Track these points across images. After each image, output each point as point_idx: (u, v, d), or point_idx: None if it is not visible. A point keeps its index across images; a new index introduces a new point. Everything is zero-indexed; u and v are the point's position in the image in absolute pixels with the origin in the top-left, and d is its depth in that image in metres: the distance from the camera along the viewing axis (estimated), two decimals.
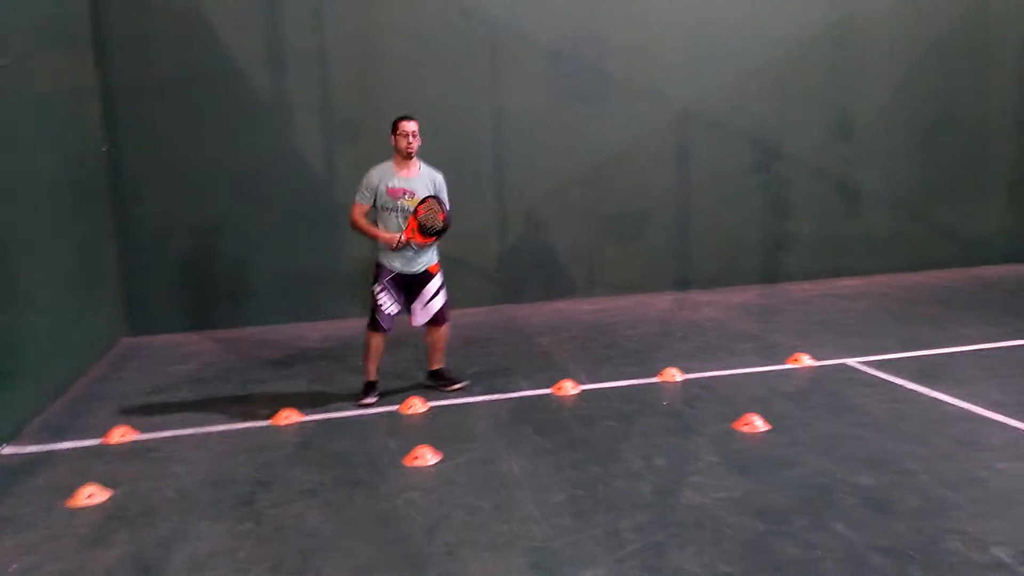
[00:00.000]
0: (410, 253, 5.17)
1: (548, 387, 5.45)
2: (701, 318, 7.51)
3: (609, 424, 4.71)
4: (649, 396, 5.23)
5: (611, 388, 5.42)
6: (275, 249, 8.01)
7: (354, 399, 5.39)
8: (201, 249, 7.85)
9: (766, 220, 9.07)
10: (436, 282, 5.30)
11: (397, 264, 5.19)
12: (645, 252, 8.82)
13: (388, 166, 5.19)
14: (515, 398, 5.29)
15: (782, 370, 5.72)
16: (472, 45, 8.18)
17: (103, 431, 4.87)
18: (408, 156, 5.14)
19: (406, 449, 4.37)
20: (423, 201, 5.08)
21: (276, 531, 3.51)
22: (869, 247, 9.36)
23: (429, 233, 5.08)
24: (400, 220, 5.11)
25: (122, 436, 4.81)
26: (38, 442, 4.78)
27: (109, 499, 3.91)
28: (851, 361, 5.82)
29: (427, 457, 4.27)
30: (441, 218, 5.08)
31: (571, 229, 8.59)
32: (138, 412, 5.29)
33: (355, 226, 5.21)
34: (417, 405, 5.15)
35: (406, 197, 5.10)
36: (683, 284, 8.90)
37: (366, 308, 8.03)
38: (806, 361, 5.83)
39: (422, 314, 5.32)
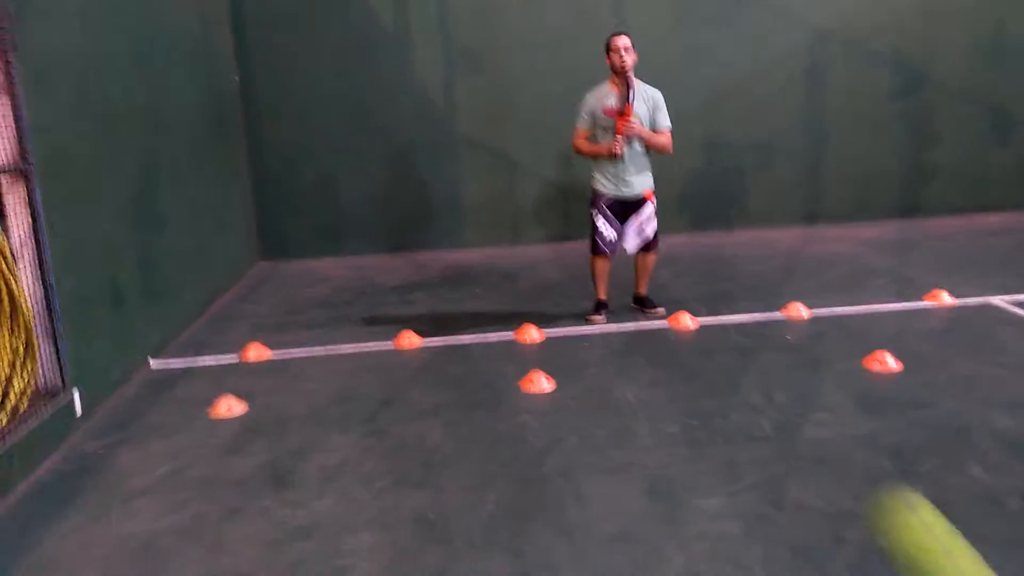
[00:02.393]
0: (624, 172, 5.19)
1: (664, 320, 5.36)
2: (830, 253, 7.18)
3: (728, 358, 4.60)
4: (771, 332, 5.07)
5: (731, 322, 5.29)
6: (398, 178, 8.16)
7: (473, 325, 5.50)
8: (327, 178, 8.09)
9: (906, 149, 8.47)
10: (649, 207, 5.33)
11: (612, 189, 5.26)
12: (771, 183, 8.44)
13: (604, 87, 5.23)
14: (630, 331, 5.24)
15: (918, 308, 5.40)
16: None
17: (240, 348, 5.17)
18: (622, 72, 5.10)
19: (521, 375, 4.42)
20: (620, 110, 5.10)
21: (399, 447, 3.66)
22: (1019, 179, 8.61)
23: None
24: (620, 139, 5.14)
25: (257, 354, 5.10)
26: (181, 356, 5.14)
27: (245, 412, 4.17)
28: (995, 300, 5.43)
29: (542, 383, 4.31)
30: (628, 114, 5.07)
31: (692, 159, 8.30)
32: (272, 332, 5.59)
33: (578, 150, 5.35)
34: (533, 333, 5.20)
35: (623, 113, 5.10)
36: (812, 218, 8.50)
37: (485, 239, 8.31)
38: (945, 299, 5.48)
39: (635, 239, 5.37)
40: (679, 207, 8.39)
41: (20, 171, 3.73)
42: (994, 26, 8.29)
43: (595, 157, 5.26)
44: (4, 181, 3.70)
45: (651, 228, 5.38)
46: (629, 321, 5.39)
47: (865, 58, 8.22)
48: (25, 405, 3.68)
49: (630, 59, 5.09)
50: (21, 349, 3.66)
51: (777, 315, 5.36)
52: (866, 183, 8.50)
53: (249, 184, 7.91)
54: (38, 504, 3.30)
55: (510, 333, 5.26)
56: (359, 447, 3.68)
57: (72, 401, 3.96)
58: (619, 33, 5.17)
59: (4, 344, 3.57)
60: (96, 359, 4.30)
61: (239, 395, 4.29)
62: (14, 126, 3.69)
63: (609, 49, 5.14)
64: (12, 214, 3.72)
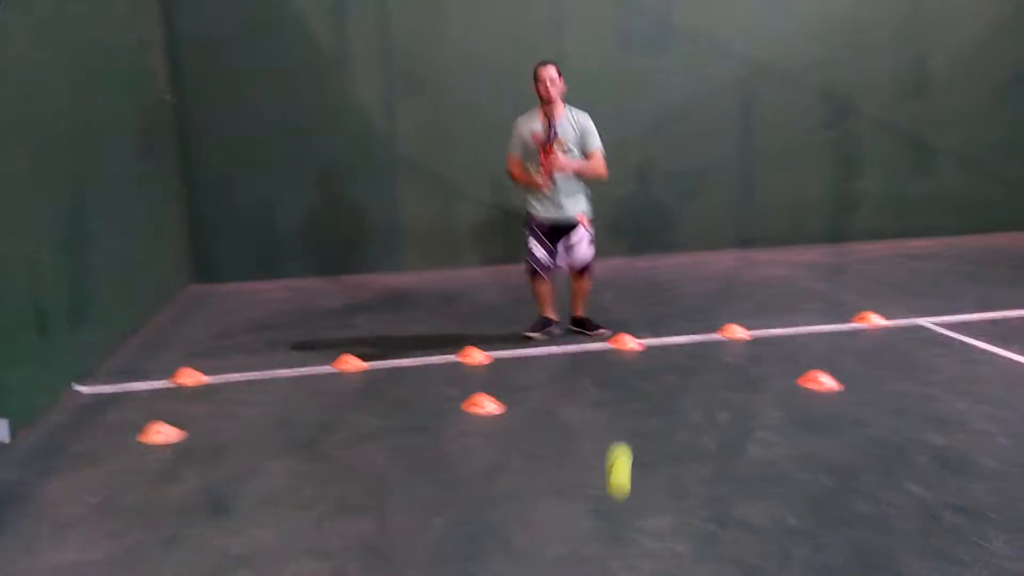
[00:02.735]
0: (557, 196, 5.23)
1: (607, 341, 5.39)
2: (764, 276, 7.35)
3: (670, 379, 4.65)
4: (710, 353, 5.14)
5: (671, 344, 5.35)
6: (336, 201, 8.06)
7: (413, 348, 5.44)
8: (264, 200, 7.94)
9: (834, 178, 8.75)
10: (581, 231, 5.34)
11: (541, 210, 5.31)
12: (706, 209, 8.62)
13: (533, 113, 5.28)
14: (573, 352, 5.25)
15: (850, 329, 5.56)
16: None
17: (172, 373, 5.00)
18: (548, 102, 5.16)
19: (466, 397, 4.38)
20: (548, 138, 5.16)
21: (341, 471, 3.57)
22: (942, 207, 8.98)
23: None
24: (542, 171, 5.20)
25: (191, 378, 4.93)
26: (110, 382, 4.94)
27: (179, 438, 4.02)
28: (923, 321, 5.62)
29: (486, 405, 4.28)
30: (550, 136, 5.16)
31: (629, 185, 8.43)
32: (206, 356, 5.42)
33: (512, 176, 5.41)
34: (476, 355, 5.17)
35: (550, 138, 5.15)
36: (745, 242, 8.70)
37: (424, 262, 8.26)
38: (875, 320, 5.65)
39: (563, 259, 5.40)
40: (616, 231, 8.48)
41: None
42: (915, 59, 8.68)
43: (527, 185, 5.34)
44: None
45: (582, 251, 5.38)
46: (572, 343, 5.40)
47: (796, 90, 8.50)
48: None
49: (555, 89, 5.17)
50: None
51: (716, 336, 5.45)
52: (797, 209, 8.75)
53: (181, 206, 7.70)
54: None
55: (453, 356, 5.21)
56: (299, 473, 3.57)
57: None
58: (545, 63, 5.24)
59: None
60: (20, 386, 4.09)
61: (172, 421, 4.13)
62: None
63: (536, 78, 5.20)
64: None
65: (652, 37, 8.24)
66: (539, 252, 5.39)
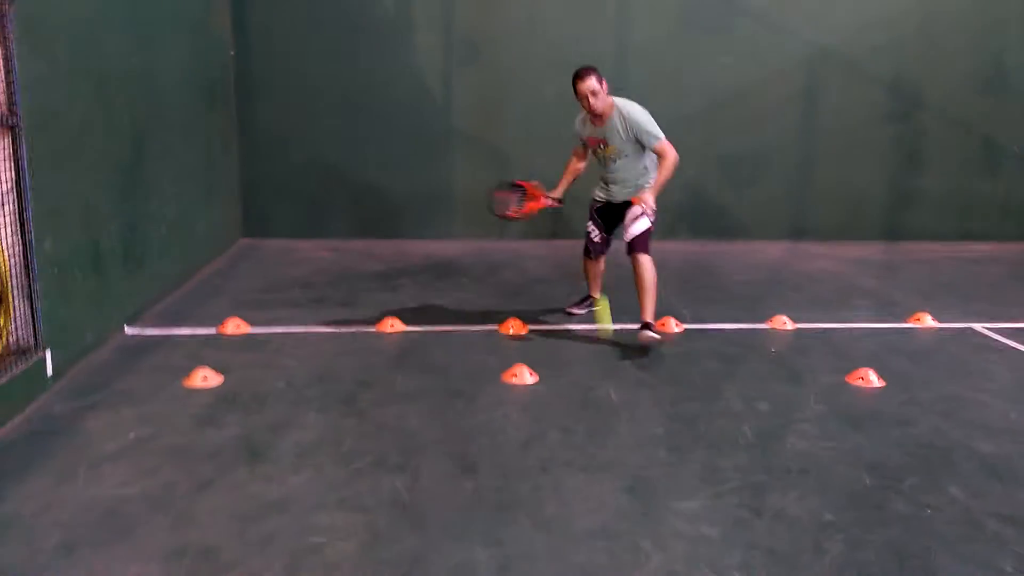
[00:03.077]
0: (615, 183, 5.21)
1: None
2: (816, 269, 7.20)
3: (712, 364, 4.59)
4: (755, 342, 5.06)
5: (715, 330, 5.27)
6: (387, 165, 8.08)
7: (455, 316, 5.46)
8: (316, 159, 7.99)
9: (895, 173, 8.52)
10: (636, 209, 4.96)
11: (601, 195, 5.33)
12: (760, 197, 8.46)
13: (584, 116, 5.16)
14: (616, 330, 5.20)
15: (901, 328, 5.42)
16: None
17: (218, 321, 5.08)
18: (592, 114, 4.98)
19: (504, 367, 4.38)
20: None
21: (377, 429, 3.60)
22: (1006, 211, 8.69)
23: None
24: (601, 164, 5.21)
25: (236, 327, 5.01)
26: (158, 326, 5.04)
27: (221, 383, 4.09)
28: (977, 326, 5.45)
29: (525, 376, 4.27)
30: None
31: (683, 167, 8.24)
32: (252, 307, 5.50)
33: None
34: (516, 327, 5.16)
35: (600, 147, 5.10)
36: (798, 234, 8.53)
37: (472, 231, 8.24)
38: (928, 322, 5.50)
39: (626, 234, 5.11)
40: (669, 213, 8.37)
41: (7, 124, 3.63)
42: (992, 56, 8.37)
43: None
44: None
45: (637, 227, 5.02)
46: (615, 323, 5.35)
47: (862, 79, 8.26)
48: None
49: (598, 102, 4.87)
50: None
51: (762, 326, 5.35)
52: (855, 203, 8.54)
53: (237, 161, 7.79)
54: (3, 461, 3.20)
55: (494, 325, 5.21)
56: (337, 427, 3.61)
57: (44, 361, 3.86)
58: (582, 76, 4.86)
59: None
60: (71, 321, 4.19)
61: (216, 367, 4.21)
62: (3, 79, 3.59)
63: (576, 94, 4.92)
64: None
65: (716, 17, 8.06)
66: (594, 236, 5.40)
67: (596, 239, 5.39)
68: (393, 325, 5.15)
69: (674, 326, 5.26)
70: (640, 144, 4.96)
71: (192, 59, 6.40)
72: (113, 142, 4.80)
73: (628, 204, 5.14)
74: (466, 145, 8.11)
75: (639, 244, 5.02)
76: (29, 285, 3.77)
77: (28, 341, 3.80)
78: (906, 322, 5.53)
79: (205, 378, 4.09)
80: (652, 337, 4.79)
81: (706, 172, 8.32)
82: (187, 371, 4.16)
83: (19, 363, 3.67)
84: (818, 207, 8.53)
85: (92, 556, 2.58)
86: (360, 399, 3.95)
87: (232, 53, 7.62)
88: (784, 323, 5.36)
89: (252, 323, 5.09)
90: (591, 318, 5.40)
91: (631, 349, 4.82)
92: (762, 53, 8.14)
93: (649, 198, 4.84)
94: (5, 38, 3.58)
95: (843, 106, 8.31)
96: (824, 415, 3.89)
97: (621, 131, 4.95)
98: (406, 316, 5.33)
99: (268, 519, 2.82)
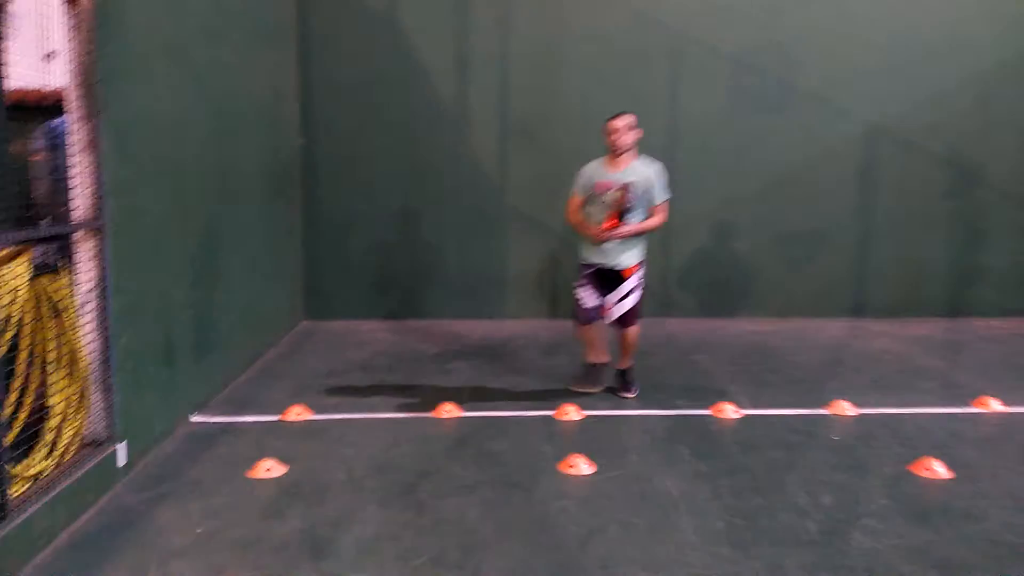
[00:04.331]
0: (608, 246, 5.29)
1: (706, 407, 5.30)
2: (876, 349, 7.07)
3: (772, 454, 4.52)
4: (816, 428, 4.98)
5: (774, 415, 5.21)
6: (443, 247, 8.28)
7: (512, 399, 5.50)
8: (377, 242, 8.24)
9: (956, 249, 8.39)
10: (629, 284, 5.36)
11: (595, 259, 5.36)
12: (816, 275, 8.40)
13: (599, 162, 5.40)
14: (671, 416, 5.18)
15: (967, 413, 5.28)
16: (650, 51, 8.11)
17: (281, 408, 5.21)
18: (615, 152, 5.26)
19: (561, 455, 4.39)
20: (618, 188, 5.20)
21: (436, 523, 3.63)
22: None
23: (619, 214, 5.21)
24: (604, 213, 5.27)
25: (298, 415, 5.13)
26: (223, 414, 5.19)
27: (284, 474, 4.18)
28: None
29: (581, 467, 4.27)
30: (622, 200, 5.18)
31: (737, 244, 8.34)
32: (313, 392, 5.63)
33: (569, 220, 5.52)
34: (572, 413, 5.17)
35: (612, 191, 5.24)
36: (856, 311, 8.41)
37: (526, 312, 8.35)
38: (995, 406, 5.35)
39: (612, 311, 5.42)
40: (721, 291, 8.38)
41: (94, 227, 3.87)
42: None
43: (582, 233, 5.42)
44: (78, 236, 3.84)
45: (627, 304, 5.40)
46: (669, 408, 5.34)
47: (918, 155, 8.24)
48: (71, 455, 3.74)
49: (628, 138, 5.24)
50: (75, 399, 3.74)
51: (823, 411, 5.27)
52: (915, 279, 8.42)
53: (300, 245, 8.08)
54: (79, 554, 3.32)
55: (549, 411, 5.23)
56: (396, 521, 3.65)
57: (116, 453, 4.01)
58: (616, 115, 5.32)
59: (60, 394, 3.65)
60: (143, 412, 4.36)
61: (279, 456, 4.31)
62: (93, 183, 3.84)
63: (605, 130, 5.31)
64: (81, 269, 3.85)
65: (770, 97, 8.17)
66: (588, 303, 5.43)
67: (588, 306, 5.44)
68: (450, 410, 5.22)
69: (732, 412, 5.21)
70: (646, 202, 5.25)
71: (262, 150, 6.73)
72: (188, 236, 5.05)
73: (619, 275, 5.31)
74: (521, 227, 8.28)
75: (631, 318, 5.42)
76: (106, 379, 3.95)
77: (102, 434, 3.96)
78: (972, 406, 5.39)
79: (268, 469, 4.19)
80: (630, 392, 5.45)
81: (761, 249, 8.33)
82: (251, 460, 4.27)
83: (94, 456, 3.82)
84: (878, 284, 8.43)
85: None
86: (419, 490, 3.99)
87: (301, 142, 7.98)
88: (845, 408, 5.27)
89: (314, 409, 5.22)
90: (649, 402, 5.38)
91: (688, 436, 4.78)
92: (816, 131, 8.20)
93: (630, 229, 5.19)
94: (96, 145, 3.84)
95: (900, 182, 8.28)
96: (889, 509, 3.79)
97: (640, 179, 5.22)
98: (462, 400, 5.39)
99: None
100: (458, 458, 4.44)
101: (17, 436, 3.39)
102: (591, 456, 4.36)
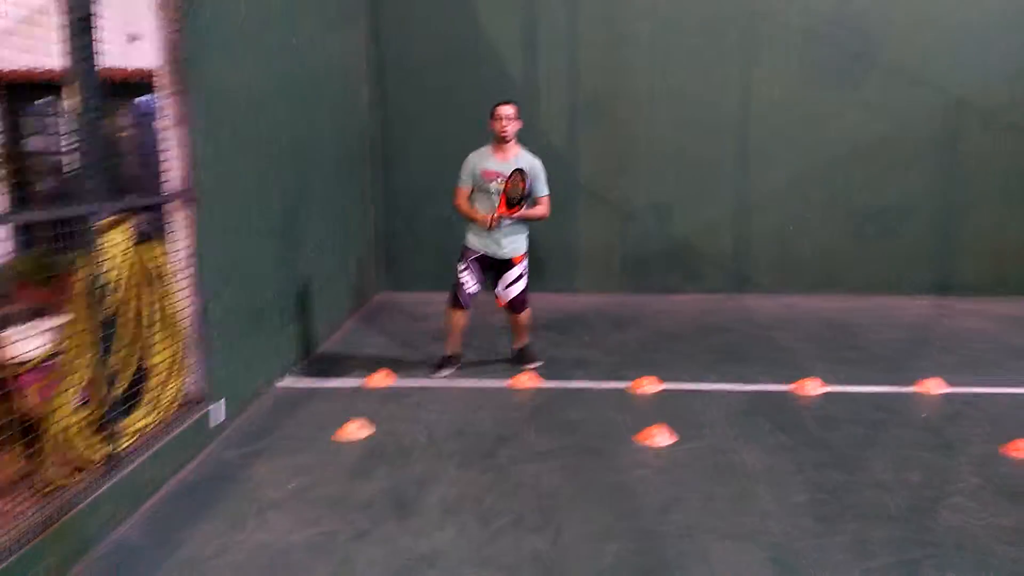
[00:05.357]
0: (497, 234, 5.30)
1: (787, 383, 5.23)
2: (964, 328, 6.84)
3: (856, 430, 4.44)
4: (902, 406, 4.86)
5: (858, 392, 5.10)
6: None
7: (586, 371, 5.53)
8: (449, 216, 8.25)
9: None
10: (516, 271, 5.42)
11: (480, 246, 5.38)
12: (898, 251, 8.15)
13: (485, 150, 5.40)
14: (751, 391, 5.13)
15: None
16: (721, 24, 7.95)
17: (363, 374, 5.36)
18: (502, 140, 5.29)
19: (637, 427, 4.40)
20: (510, 176, 5.19)
21: (516, 487, 3.69)
22: None
23: (512, 203, 5.19)
24: (493, 201, 5.26)
25: (380, 380, 5.27)
26: (309, 378, 5.36)
27: (369, 436, 4.31)
28: None
29: (659, 438, 4.27)
30: (522, 186, 5.17)
31: (814, 221, 8.14)
32: (393, 360, 5.76)
33: (458, 209, 5.48)
34: (648, 385, 5.17)
35: (499, 180, 5.23)
36: (941, 289, 8.14)
37: (597, 285, 8.35)
38: None
39: (502, 296, 5.50)
40: (797, 268, 8.22)
41: (187, 197, 4.02)
42: None
43: (471, 220, 5.37)
44: (172, 206, 4.01)
45: (515, 289, 5.45)
46: (751, 383, 5.29)
47: (1003, 128, 7.88)
48: (172, 412, 3.93)
49: (511, 127, 5.25)
50: (174, 360, 3.92)
51: (909, 389, 5.14)
52: (1001, 256, 8.09)
53: (375, 219, 8.23)
54: (182, 504, 3.51)
55: (624, 383, 5.24)
56: (478, 483, 3.74)
57: (212, 412, 4.19)
58: (505, 102, 5.32)
59: (161, 354, 3.83)
60: (236, 374, 4.54)
61: (363, 419, 4.44)
62: (185, 156, 4.00)
63: (492, 116, 5.28)
64: (176, 237, 4.01)
65: (844, 70, 7.92)
66: (470, 287, 5.42)
67: (471, 290, 5.44)
68: (525, 381, 5.28)
69: (813, 388, 5.13)
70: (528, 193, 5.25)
71: (336, 128, 6.87)
72: (271, 208, 5.21)
73: (506, 263, 5.38)
74: (590, 202, 8.26)
75: (521, 304, 5.52)
76: (202, 341, 4.13)
77: (199, 393, 4.15)
78: None
79: (354, 431, 4.32)
80: (535, 361, 5.58)
81: (839, 226, 8.13)
82: (337, 422, 4.41)
83: (192, 414, 4.01)
84: (963, 261, 8.13)
85: None
86: (498, 455, 4.07)
87: (369, 120, 8.09)
88: (932, 387, 5.13)
89: (394, 376, 5.34)
90: (727, 376, 5.34)
91: (768, 410, 4.74)
92: (892, 104, 7.92)
93: (519, 214, 5.21)
94: (186, 121, 3.99)
95: (983, 156, 7.95)
96: (980, 488, 3.69)
97: (528, 169, 5.22)
98: (537, 371, 5.45)
99: (419, 573, 2.95)
100: (535, 426, 4.50)
101: (123, 393, 3.58)
102: (668, 428, 4.36)
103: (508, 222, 5.29)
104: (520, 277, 5.46)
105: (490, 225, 5.23)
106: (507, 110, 5.27)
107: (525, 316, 5.61)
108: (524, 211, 5.27)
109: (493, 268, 5.45)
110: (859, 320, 7.12)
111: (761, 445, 4.21)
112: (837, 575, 2.95)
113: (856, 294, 8.10)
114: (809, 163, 8.07)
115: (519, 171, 5.20)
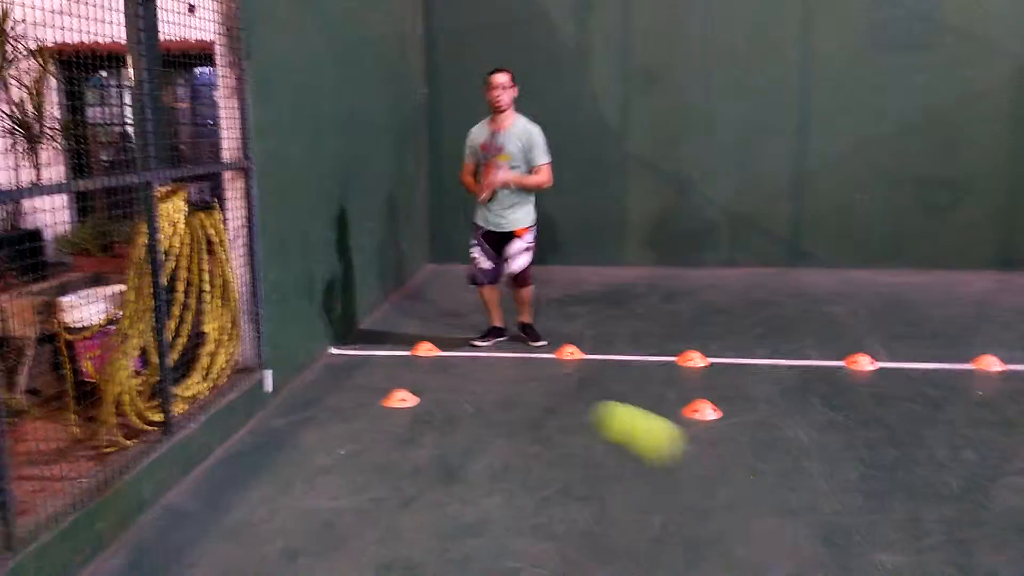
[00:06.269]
0: (495, 207, 5.19)
1: (840, 359, 5.12)
2: None
3: (910, 407, 4.34)
4: (959, 383, 4.73)
5: (913, 369, 4.98)
6: (562, 191, 8.16)
7: (634, 344, 5.50)
8: None
9: None
10: (520, 244, 5.27)
11: (481, 222, 5.30)
12: (961, 224, 7.88)
13: (483, 123, 5.27)
14: (802, 366, 5.05)
15: None
16: None
17: (411, 344, 5.41)
18: (497, 110, 5.13)
19: (684, 400, 4.36)
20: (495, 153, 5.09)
21: (563, 457, 3.71)
22: None
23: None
24: (486, 176, 5.16)
25: (428, 351, 5.31)
26: (358, 347, 5.43)
27: (417, 405, 4.36)
28: None
29: (706, 412, 4.23)
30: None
31: (875, 193, 7.91)
32: (441, 331, 5.80)
33: (465, 186, 5.44)
34: (695, 359, 5.12)
35: (494, 154, 5.11)
36: (1005, 264, 7.86)
37: (647, 258, 8.26)
38: None
39: (507, 267, 5.37)
40: (854, 239, 8.01)
41: (241, 168, 4.08)
42: None
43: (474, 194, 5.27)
44: (228, 177, 4.07)
45: (518, 262, 5.28)
46: (800, 358, 5.20)
47: None
48: (224, 379, 4.02)
49: (506, 96, 5.06)
50: (228, 328, 4.00)
51: (966, 366, 5.00)
52: None
53: (424, 191, 8.25)
54: (232, 470, 3.60)
55: (672, 356, 5.20)
56: (524, 453, 3.76)
57: (264, 379, 4.28)
58: (497, 70, 5.14)
59: (215, 322, 3.92)
60: (287, 343, 4.62)
61: (411, 388, 4.49)
62: (240, 127, 4.04)
63: (487, 84, 5.10)
64: (231, 207, 4.08)
65: (911, 32, 7.63)
66: (483, 263, 5.33)
67: (485, 266, 5.34)
68: (572, 353, 5.27)
69: (867, 364, 5.02)
70: (528, 163, 5.10)
71: (389, 99, 6.88)
72: (324, 179, 5.25)
73: (509, 236, 5.23)
74: (641, 171, 8.16)
75: (524, 278, 5.36)
76: (255, 310, 4.20)
77: (252, 361, 4.23)
78: None
79: (402, 399, 4.37)
80: (539, 340, 5.39)
81: (900, 196, 7.89)
82: (385, 391, 4.47)
83: (244, 381, 4.09)
84: None
85: (313, 564, 2.84)
86: (545, 425, 4.08)
87: (424, 91, 8.08)
88: (991, 364, 4.98)
89: (442, 347, 5.38)
90: (778, 351, 5.26)
91: (819, 386, 4.65)
92: (961, 69, 7.62)
93: (508, 176, 5.05)
94: (241, 91, 4.04)
95: None
96: None
97: (520, 140, 5.07)
98: (584, 344, 5.43)
99: (466, 540, 2.98)
100: (581, 398, 4.49)
101: (177, 360, 3.67)
102: (716, 403, 4.31)
103: (507, 191, 5.18)
104: (526, 250, 5.32)
105: (481, 199, 5.18)
106: (500, 78, 5.12)
107: (528, 292, 5.48)
108: (518, 178, 5.14)
109: (501, 241, 5.38)
110: (918, 295, 6.93)
111: (810, 420, 4.14)
112: (889, 554, 2.89)
113: (917, 268, 7.86)
114: (872, 130, 7.81)
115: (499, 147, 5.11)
